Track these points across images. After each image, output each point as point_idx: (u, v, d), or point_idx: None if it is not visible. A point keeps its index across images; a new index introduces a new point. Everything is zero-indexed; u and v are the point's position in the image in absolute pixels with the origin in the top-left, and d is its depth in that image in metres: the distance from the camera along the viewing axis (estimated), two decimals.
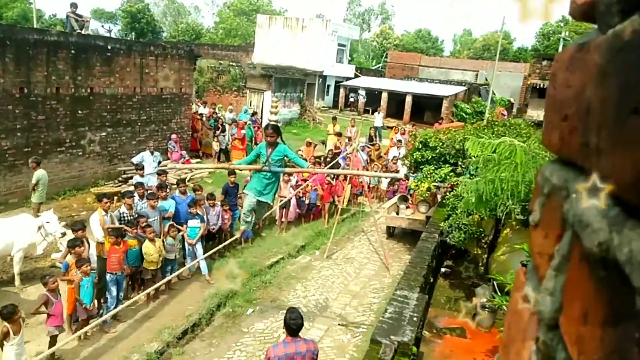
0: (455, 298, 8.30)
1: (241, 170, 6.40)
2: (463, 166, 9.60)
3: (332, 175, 12.34)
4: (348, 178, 11.24)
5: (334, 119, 17.98)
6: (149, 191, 8.78)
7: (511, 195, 5.18)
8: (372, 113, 31.19)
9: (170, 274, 8.03)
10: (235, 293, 8.07)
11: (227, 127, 17.01)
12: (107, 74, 12.56)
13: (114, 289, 6.90)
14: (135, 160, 11.55)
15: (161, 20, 55.81)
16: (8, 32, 10.44)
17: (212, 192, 10.25)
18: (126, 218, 7.76)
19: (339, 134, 16.54)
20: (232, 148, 15.85)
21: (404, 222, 10.92)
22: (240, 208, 10.30)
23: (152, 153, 11.69)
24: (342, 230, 11.56)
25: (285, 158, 5.60)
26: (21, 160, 10.67)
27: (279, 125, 5.89)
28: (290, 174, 9.35)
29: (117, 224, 7.43)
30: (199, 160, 15.85)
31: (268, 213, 8.90)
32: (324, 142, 17.81)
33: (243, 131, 15.91)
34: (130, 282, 7.68)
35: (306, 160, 13.00)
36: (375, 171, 13.71)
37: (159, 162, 12.04)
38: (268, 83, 23.69)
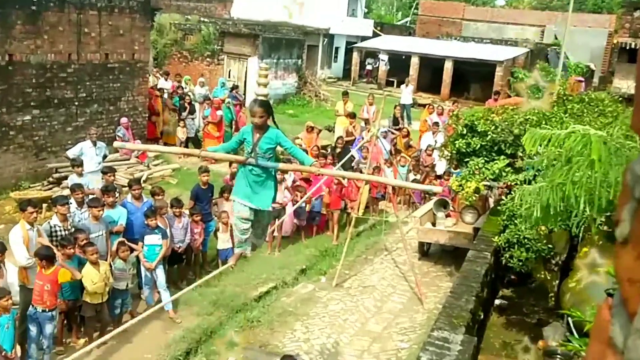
0: (515, 341, 8.27)
1: (216, 159, 6.33)
2: (524, 158, 9.58)
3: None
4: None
5: (345, 94, 17.96)
6: (91, 196, 8.80)
7: (588, 203, 5.16)
8: (398, 86, 31.13)
9: (121, 309, 8.04)
10: (211, 335, 8.06)
11: (197, 107, 17.04)
12: (31, 36, 12.62)
13: (34, 330, 6.91)
14: (71, 153, 11.59)
15: None
16: None
17: (177, 196, 10.28)
18: (59, 233, 7.79)
19: (351, 115, 16.53)
20: (205, 136, 15.92)
21: (442, 236, 10.91)
22: (215, 218, 10.34)
23: (94, 144, 11.74)
24: (358, 248, 11.55)
25: (279, 148, 5.61)
26: None
27: (270, 101, 5.85)
28: (284, 171, 9.33)
29: (46, 241, 7.47)
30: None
31: (275, 226, 8.80)
32: (329, 129, 17.77)
33: (219, 112, 15.95)
34: (65, 322, 7.70)
35: (307, 152, 13.13)
36: (402, 166, 13.72)
37: (105, 157, 12.09)
38: (253, 46, 23.72)
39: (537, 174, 8.77)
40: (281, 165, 5.61)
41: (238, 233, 5.76)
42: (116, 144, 6.45)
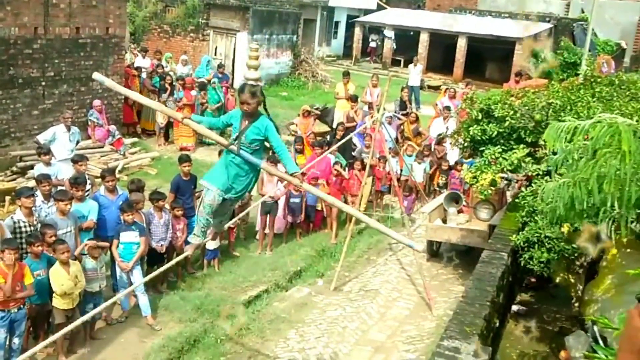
0: (534, 351, 8.30)
1: (201, 135, 6.30)
2: (546, 148, 9.58)
3: (344, 163, 12.35)
4: (367, 167, 11.23)
5: (346, 74, 17.91)
6: (59, 188, 8.76)
7: (618, 200, 5.17)
8: (405, 65, 31.11)
9: (93, 315, 8.05)
10: (194, 344, 8.08)
11: (179, 88, 17.01)
12: None
13: (2, 336, 6.90)
14: (42, 138, 11.52)
15: None
16: None
17: (158, 188, 10.27)
18: (24, 229, 7.77)
19: (353, 99, 16.52)
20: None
21: (454, 234, 10.93)
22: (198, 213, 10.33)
23: (68, 128, 11.70)
24: (359, 248, 11.58)
25: (267, 142, 5.59)
26: None
27: (261, 85, 5.83)
28: (274, 162, 9.27)
29: (8, 237, 7.45)
30: (136, 139, 15.90)
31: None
32: (320, 112, 17.50)
33: (194, 92, 15.86)
34: (31, 328, 7.70)
35: (302, 140, 13.11)
36: (409, 155, 13.73)
37: (77, 142, 12.07)
38: (243, 19, 23.65)
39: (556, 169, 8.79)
40: (263, 165, 5.61)
41: (202, 221, 5.81)
42: (95, 75, 6.30)
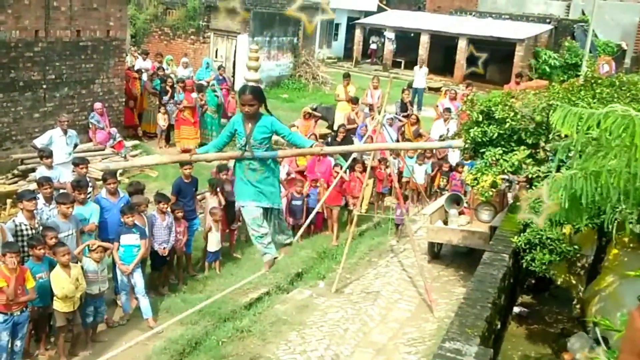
0: (536, 353, 8.29)
1: (210, 161, 6.28)
2: (547, 149, 9.58)
3: (345, 165, 12.34)
4: (369, 169, 11.24)
5: (347, 76, 17.94)
6: (61, 191, 8.77)
7: (624, 196, 5.10)
8: (406, 67, 31.12)
9: (95, 318, 8.04)
10: (196, 346, 8.08)
11: (179, 90, 17.02)
12: None
13: (5, 339, 6.91)
14: (39, 142, 11.56)
15: None
16: None
17: (160, 190, 10.27)
18: (26, 232, 7.78)
19: (354, 100, 16.54)
20: (178, 122, 15.80)
21: (455, 235, 10.93)
22: (200, 215, 10.34)
23: (64, 132, 11.73)
24: (360, 250, 11.58)
25: (275, 136, 5.61)
26: None
27: (262, 87, 5.85)
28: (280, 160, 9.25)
29: (10, 240, 7.45)
30: (137, 142, 15.90)
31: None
32: (314, 110, 17.26)
33: (194, 95, 15.88)
34: (33, 331, 7.71)
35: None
36: (411, 157, 13.74)
37: (75, 146, 12.08)
38: (243, 22, 23.67)
39: (561, 164, 8.77)
40: (280, 153, 5.63)
41: (257, 240, 5.74)
42: (98, 165, 6.43)
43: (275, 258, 5.96)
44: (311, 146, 5.56)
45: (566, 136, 6.01)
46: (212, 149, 5.85)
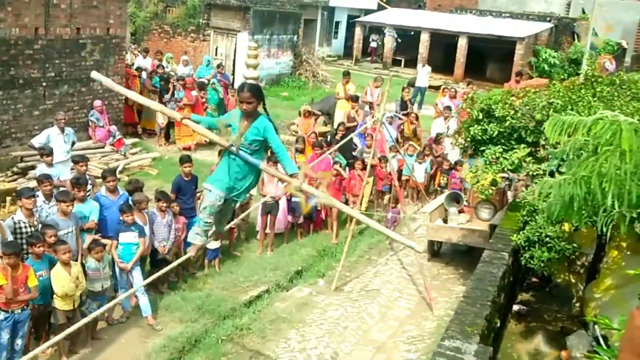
0: (535, 351, 8.29)
1: (199, 133, 6.21)
2: (547, 147, 9.58)
3: (344, 163, 12.35)
4: (369, 167, 11.24)
5: (347, 74, 17.93)
6: (61, 189, 8.76)
7: (617, 199, 5.15)
8: (406, 65, 31.13)
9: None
10: (195, 344, 8.08)
11: (179, 88, 17.01)
12: None
13: (6, 337, 6.92)
14: (36, 141, 11.57)
15: None
16: None
17: (160, 188, 10.27)
18: (25, 230, 7.78)
19: (354, 98, 16.53)
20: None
21: (455, 234, 10.93)
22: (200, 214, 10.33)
23: (62, 130, 11.73)
24: (360, 248, 11.58)
25: (267, 142, 5.56)
26: None
27: (261, 85, 5.82)
28: (274, 162, 9.18)
29: (9, 239, 7.45)
30: (137, 140, 15.90)
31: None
32: (309, 104, 17.28)
33: (194, 93, 15.86)
34: (33, 329, 7.71)
35: (304, 140, 13.10)
36: (410, 155, 13.72)
37: (73, 144, 12.08)
38: (243, 20, 23.65)
39: (561, 163, 8.77)
40: (262, 166, 5.56)
41: (202, 224, 5.80)
42: (93, 74, 6.36)
43: (201, 246, 6.17)
44: (292, 175, 5.37)
45: (562, 143, 6.09)
46: (204, 123, 5.81)
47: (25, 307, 7.07)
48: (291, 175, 5.36)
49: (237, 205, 6.22)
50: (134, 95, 7.49)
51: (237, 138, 5.38)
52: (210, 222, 5.76)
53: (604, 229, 5.54)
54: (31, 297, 7.06)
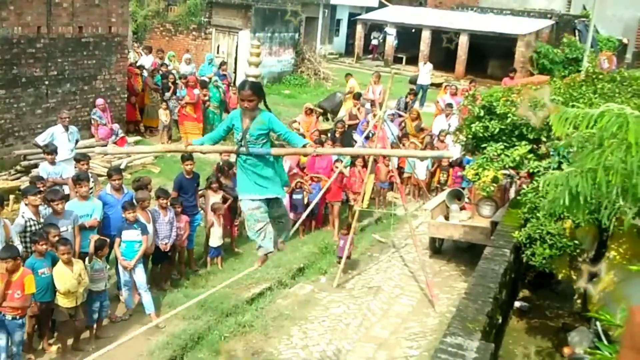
0: (537, 348, 8.29)
1: (204, 153, 6.24)
2: (548, 144, 9.57)
3: (345, 159, 12.33)
4: (370, 164, 11.22)
5: (349, 75, 17.94)
6: (52, 187, 8.69)
7: (622, 192, 5.13)
8: (407, 63, 31.09)
9: (100, 314, 8.04)
10: (198, 341, 8.09)
11: (181, 86, 17.02)
12: None
13: (3, 338, 6.90)
14: (40, 140, 11.54)
15: None
16: None
17: (162, 186, 10.26)
18: (33, 227, 7.79)
19: (356, 96, 16.51)
20: (181, 118, 15.77)
21: (456, 231, 10.92)
22: (201, 211, 10.33)
23: (66, 128, 11.71)
24: (362, 245, 11.57)
25: (272, 133, 5.57)
26: None
27: (262, 83, 5.80)
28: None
29: (15, 239, 7.44)
30: (139, 138, 15.89)
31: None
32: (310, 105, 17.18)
33: (196, 91, 15.85)
34: (36, 327, 7.72)
35: (304, 137, 13.08)
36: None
37: (77, 142, 12.08)
38: (245, 17, 23.62)
39: (562, 160, 8.76)
40: (273, 151, 5.52)
41: (254, 234, 5.59)
42: (97, 149, 6.48)
43: (269, 253, 5.83)
44: (304, 146, 5.46)
45: (567, 135, 6.04)
46: (207, 141, 5.76)
47: (17, 316, 6.92)
48: (304, 146, 5.45)
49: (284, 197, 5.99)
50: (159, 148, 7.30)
51: (243, 137, 5.37)
52: (261, 229, 5.56)
53: (607, 223, 5.52)
54: (22, 305, 6.92)
